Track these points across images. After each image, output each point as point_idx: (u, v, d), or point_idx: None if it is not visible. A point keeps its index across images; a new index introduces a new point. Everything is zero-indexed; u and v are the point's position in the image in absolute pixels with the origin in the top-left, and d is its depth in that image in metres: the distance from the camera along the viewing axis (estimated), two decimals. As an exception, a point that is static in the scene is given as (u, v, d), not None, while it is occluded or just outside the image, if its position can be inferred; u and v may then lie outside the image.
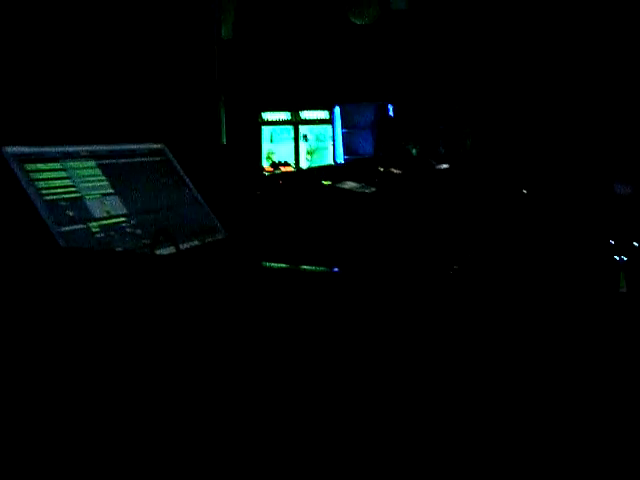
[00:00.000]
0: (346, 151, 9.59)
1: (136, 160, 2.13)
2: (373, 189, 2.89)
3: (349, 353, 1.09)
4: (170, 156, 2.28)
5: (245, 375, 1.15)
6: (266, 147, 10.98)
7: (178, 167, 2.27)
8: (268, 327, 1.15)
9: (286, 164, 10.24)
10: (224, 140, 8.11)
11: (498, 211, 2.71)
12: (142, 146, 2.21)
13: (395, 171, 3.57)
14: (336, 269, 1.35)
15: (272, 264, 1.41)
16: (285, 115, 10.91)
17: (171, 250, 1.80)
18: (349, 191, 2.73)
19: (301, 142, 10.87)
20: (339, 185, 2.78)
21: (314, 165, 10.49)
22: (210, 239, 2.11)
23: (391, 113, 8.64)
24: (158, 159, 2.23)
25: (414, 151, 4.82)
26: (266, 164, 10.45)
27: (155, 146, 2.26)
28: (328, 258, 1.86)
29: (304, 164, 10.68)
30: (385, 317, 1.10)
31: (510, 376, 1.02)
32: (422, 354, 1.07)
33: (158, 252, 1.79)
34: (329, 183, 2.87)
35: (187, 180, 2.26)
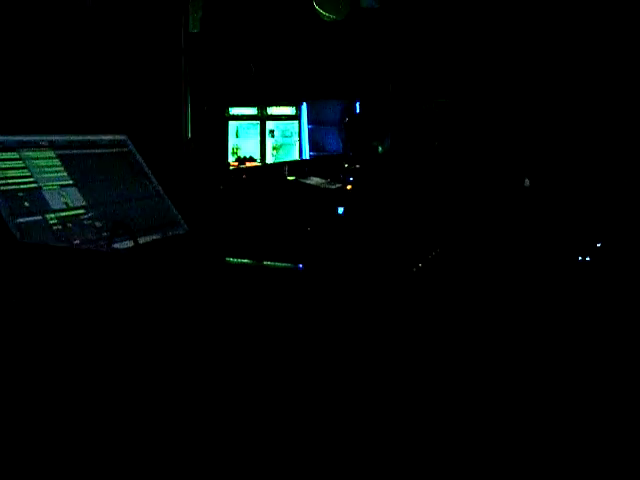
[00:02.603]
0: (312, 147, 9.56)
1: (97, 151, 2.09)
2: (338, 185, 2.87)
3: (311, 348, 1.08)
4: (132, 148, 2.24)
5: (206, 369, 1.13)
6: (232, 142, 10.92)
7: (140, 159, 2.23)
8: (230, 322, 1.13)
9: (252, 159, 10.19)
10: (189, 134, 8.04)
11: (463, 207, 2.71)
12: (104, 137, 2.17)
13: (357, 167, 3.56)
14: (300, 265, 1.34)
15: (234, 259, 1.39)
16: (252, 110, 10.86)
17: (130, 244, 1.76)
18: (314, 187, 2.71)
19: (267, 138, 10.83)
20: (304, 180, 2.76)
21: (280, 161, 10.48)
22: (170, 233, 2.08)
23: (357, 110, 8.63)
24: (120, 151, 2.19)
25: (380, 148, 4.81)
26: (232, 159, 10.40)
27: (117, 137, 2.22)
28: (291, 254, 1.84)
29: (270, 159, 10.64)
30: (347, 313, 1.08)
31: (466, 368, 1.01)
32: (381, 349, 1.06)
33: (116, 246, 1.75)
34: (293, 178, 2.85)
35: (149, 173, 2.22)
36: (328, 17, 8.28)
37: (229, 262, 1.44)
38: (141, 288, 1.20)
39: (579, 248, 2.44)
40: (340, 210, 2.53)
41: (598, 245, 2.48)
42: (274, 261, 1.36)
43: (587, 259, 2.39)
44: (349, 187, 2.93)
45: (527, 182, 3.14)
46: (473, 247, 2.33)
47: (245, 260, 1.35)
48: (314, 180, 2.84)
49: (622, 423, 0.97)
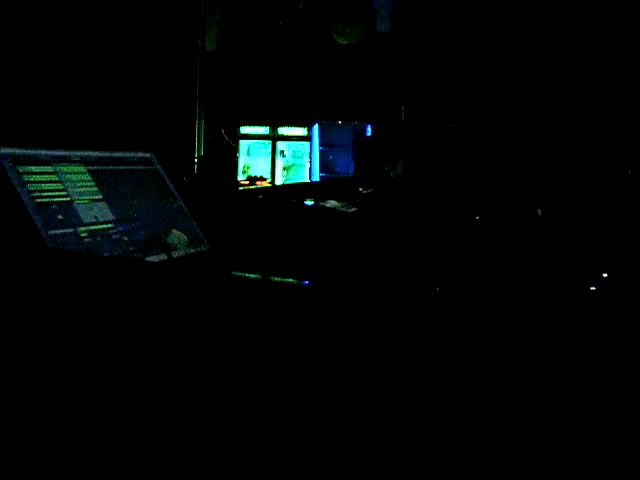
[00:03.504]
0: (322, 169, 9.64)
1: (125, 168, 2.15)
2: (355, 209, 2.92)
3: (315, 364, 1.12)
4: (157, 165, 2.30)
5: (215, 380, 1.17)
6: (242, 161, 10.99)
7: (165, 176, 2.29)
8: (240, 335, 1.17)
9: (262, 179, 10.26)
10: (201, 152, 8.12)
11: (478, 232, 2.76)
12: (131, 154, 2.23)
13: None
14: (306, 282, 1.38)
15: (239, 273, 1.43)
16: (263, 130, 10.94)
17: (162, 258, 1.82)
18: (332, 209, 2.76)
19: (278, 157, 10.90)
20: (322, 203, 2.81)
21: (289, 181, 10.52)
22: (194, 250, 2.13)
23: (369, 134, 8.70)
24: (146, 168, 2.25)
25: (392, 173, 4.88)
26: (242, 178, 10.46)
27: (143, 155, 2.28)
28: (311, 274, 1.89)
29: (280, 179, 10.70)
30: (354, 332, 1.12)
31: (487, 393, 1.05)
32: (391, 370, 1.09)
33: (149, 259, 1.81)
34: (312, 201, 2.91)
35: (173, 190, 2.28)
36: (343, 41, 8.37)
37: (234, 275, 1.48)
38: (174, 298, 1.25)
39: (587, 277, 2.47)
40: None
41: (604, 275, 2.51)
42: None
43: (593, 289, 2.43)
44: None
45: (539, 212, 3.18)
46: (485, 275, 2.37)
47: (252, 275, 1.39)
48: (331, 203, 2.89)
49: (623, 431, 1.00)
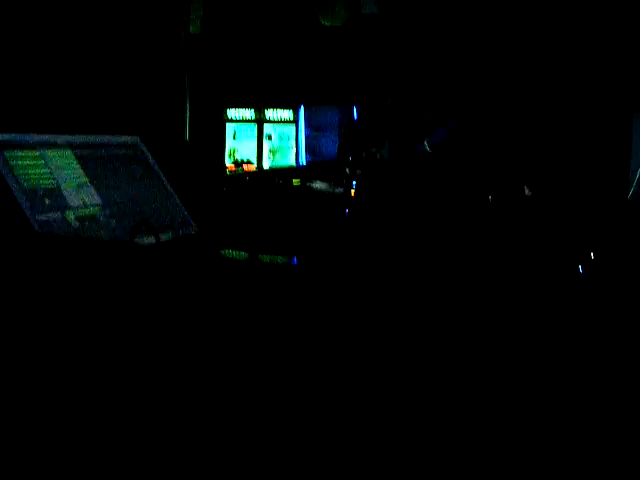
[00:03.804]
0: (309, 152, 9.61)
1: (111, 152, 2.14)
2: (341, 190, 2.93)
3: (304, 343, 1.13)
4: (144, 149, 2.29)
5: (206, 358, 1.18)
6: (228, 144, 10.94)
7: (152, 160, 2.29)
8: (224, 315, 1.18)
9: (249, 162, 10.23)
10: (187, 136, 8.07)
11: (464, 215, 2.77)
12: (117, 138, 2.22)
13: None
14: (295, 260, 1.39)
15: (228, 252, 1.44)
16: (249, 113, 10.89)
17: (150, 241, 1.82)
18: (319, 191, 2.77)
19: (264, 141, 10.86)
20: (309, 184, 2.82)
21: (276, 165, 10.50)
22: (182, 233, 2.14)
23: (355, 116, 8.68)
24: (132, 152, 2.25)
25: (378, 155, 4.88)
26: (228, 162, 10.43)
27: (130, 139, 2.28)
28: (300, 254, 1.89)
29: (266, 163, 10.68)
30: (341, 309, 1.13)
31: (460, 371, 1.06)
32: (374, 345, 1.10)
33: (138, 242, 1.81)
34: (299, 181, 2.91)
35: (160, 174, 2.28)
36: (328, 23, 8.33)
37: (223, 255, 1.48)
38: (163, 281, 1.25)
39: (576, 258, 2.49)
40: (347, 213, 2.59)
41: (592, 256, 2.52)
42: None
43: (580, 270, 2.44)
44: (353, 192, 2.99)
45: (527, 191, 3.19)
46: (471, 255, 2.39)
47: (240, 254, 1.39)
48: (318, 184, 2.90)
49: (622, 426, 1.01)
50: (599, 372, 1.02)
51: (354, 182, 3.20)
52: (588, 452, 0.99)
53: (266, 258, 1.40)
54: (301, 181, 2.96)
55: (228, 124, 10.82)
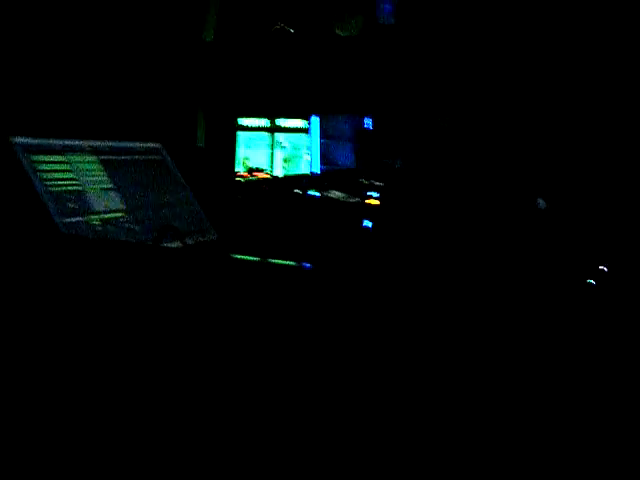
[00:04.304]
0: (323, 161, 9.64)
1: (135, 157, 2.18)
2: (357, 199, 2.96)
3: (315, 342, 1.15)
4: (167, 155, 2.33)
5: (219, 359, 1.21)
6: (241, 152, 10.99)
7: (174, 167, 2.32)
8: (246, 314, 1.21)
9: (261, 170, 10.26)
10: (202, 143, 8.13)
11: (479, 224, 2.79)
12: (140, 144, 2.26)
13: (377, 183, 3.65)
14: (307, 264, 1.41)
15: (240, 256, 1.46)
16: (262, 122, 10.94)
17: (175, 245, 1.85)
18: (335, 200, 2.80)
19: (277, 149, 10.91)
20: (326, 194, 2.85)
21: (289, 173, 10.52)
22: (202, 239, 2.17)
23: (369, 126, 8.72)
24: (155, 158, 2.28)
25: (397, 165, 4.91)
26: (241, 170, 10.47)
27: (153, 145, 2.31)
28: (317, 261, 1.92)
29: (279, 171, 10.71)
30: (353, 314, 1.16)
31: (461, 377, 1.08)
32: (384, 350, 1.12)
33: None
34: (315, 191, 2.94)
35: (182, 180, 2.31)
36: (343, 33, 8.38)
37: (235, 258, 1.50)
38: (191, 283, 1.28)
39: (586, 270, 2.49)
40: (366, 223, 2.62)
41: (602, 268, 2.53)
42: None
43: (592, 282, 2.45)
44: (370, 201, 3.01)
45: (542, 203, 3.20)
46: (485, 264, 2.40)
47: (252, 257, 1.42)
48: (335, 194, 2.93)
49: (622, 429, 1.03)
50: (608, 380, 1.04)
51: (370, 192, 3.23)
52: (590, 453, 1.00)
53: (281, 262, 1.43)
54: (318, 190, 2.99)
55: (241, 132, 10.88)
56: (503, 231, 2.69)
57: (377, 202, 2.99)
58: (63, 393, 1.36)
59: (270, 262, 1.40)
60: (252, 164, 10.63)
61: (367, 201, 3.03)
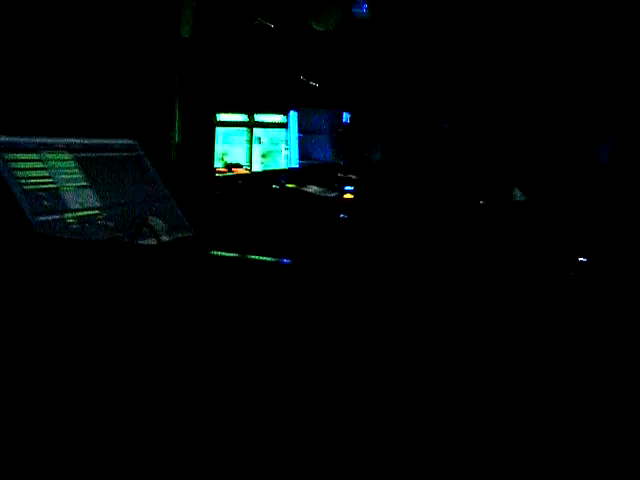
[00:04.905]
0: (301, 156, 9.63)
1: (110, 155, 2.17)
2: (335, 193, 2.96)
3: (295, 339, 1.15)
4: (142, 152, 2.32)
5: (197, 355, 1.21)
6: (219, 148, 10.96)
7: (149, 164, 2.31)
8: (225, 312, 1.21)
9: (239, 166, 10.23)
10: (178, 139, 8.09)
11: (454, 218, 2.80)
12: (115, 141, 2.24)
13: (354, 178, 3.65)
14: (285, 260, 1.41)
15: (219, 252, 1.45)
16: (240, 117, 10.91)
17: (150, 243, 1.85)
18: (312, 194, 2.80)
19: (255, 145, 10.88)
20: (303, 188, 2.84)
21: (267, 168, 10.50)
22: (178, 235, 2.16)
23: (347, 121, 8.72)
24: (130, 154, 2.27)
25: (371, 159, 4.91)
26: (219, 165, 10.43)
27: (128, 142, 2.30)
28: (295, 256, 1.92)
29: (257, 167, 10.69)
30: (334, 310, 1.16)
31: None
32: (366, 345, 1.13)
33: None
34: (293, 186, 2.94)
35: (157, 177, 2.30)
36: (319, 27, 8.36)
37: (214, 255, 1.50)
38: (167, 280, 1.28)
39: (566, 262, 2.51)
40: (343, 217, 2.62)
41: (581, 259, 2.54)
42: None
43: (570, 273, 2.47)
44: (347, 196, 3.02)
45: (518, 194, 3.22)
46: (465, 258, 2.42)
47: (230, 254, 1.41)
48: (312, 188, 2.93)
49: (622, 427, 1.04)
50: (591, 373, 1.05)
51: (347, 186, 3.23)
52: (587, 452, 1.01)
53: (260, 258, 1.43)
54: (295, 185, 2.98)
55: (219, 128, 10.84)
56: (478, 222, 2.71)
57: (351, 196, 2.99)
58: (41, 394, 1.35)
59: (248, 258, 1.40)
60: (230, 160, 10.59)
61: (345, 195, 3.03)
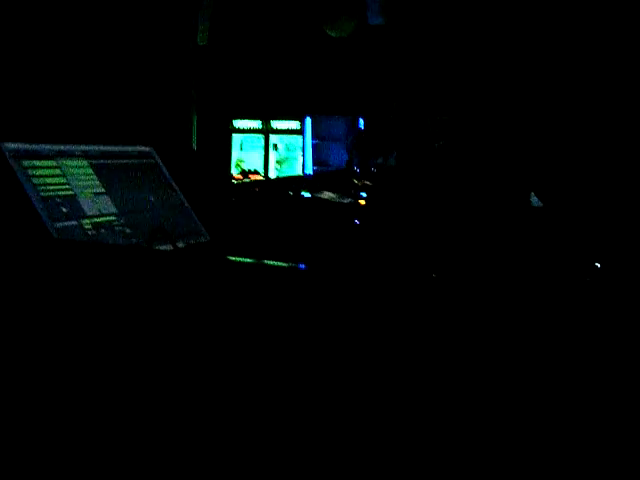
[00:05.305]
0: (315, 162, 9.66)
1: (126, 161, 2.19)
2: (350, 200, 2.97)
3: (310, 346, 1.16)
4: (158, 159, 2.34)
5: (214, 364, 1.22)
6: (235, 155, 11.01)
7: (165, 170, 2.33)
8: (240, 318, 1.22)
9: (255, 172, 10.28)
10: (194, 146, 8.14)
11: (473, 222, 2.79)
12: (131, 148, 2.27)
13: (369, 184, 3.66)
14: (302, 265, 1.42)
15: (235, 258, 1.46)
16: (256, 123, 10.96)
17: (166, 248, 1.86)
18: (328, 201, 2.81)
19: (271, 151, 10.92)
20: (318, 195, 2.86)
21: (283, 174, 10.54)
22: (194, 241, 2.18)
23: (361, 126, 8.74)
24: (146, 161, 2.29)
25: (387, 164, 4.92)
26: (235, 172, 10.48)
27: (144, 149, 2.32)
28: (309, 262, 1.93)
29: (273, 173, 10.73)
30: (349, 315, 1.17)
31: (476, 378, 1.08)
32: (382, 351, 1.13)
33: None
34: (308, 192, 2.95)
35: (173, 183, 2.32)
36: (334, 34, 8.38)
37: (231, 260, 1.51)
38: (183, 285, 1.29)
39: (582, 268, 2.50)
40: (357, 223, 2.63)
41: (597, 265, 2.53)
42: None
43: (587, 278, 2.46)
44: (362, 202, 3.03)
45: (535, 200, 3.21)
46: (479, 263, 2.41)
47: (247, 259, 1.43)
48: (327, 194, 2.94)
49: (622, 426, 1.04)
50: (605, 379, 1.05)
51: (362, 192, 3.24)
52: (589, 455, 1.01)
53: (276, 264, 1.44)
54: (309, 191, 3.00)
55: (235, 134, 10.89)
56: (495, 228, 2.70)
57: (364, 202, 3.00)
58: (56, 397, 1.36)
59: (265, 263, 1.41)
60: (246, 166, 10.64)
61: (359, 201, 3.04)
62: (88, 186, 1.96)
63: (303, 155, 10.26)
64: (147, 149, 2.34)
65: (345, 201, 2.93)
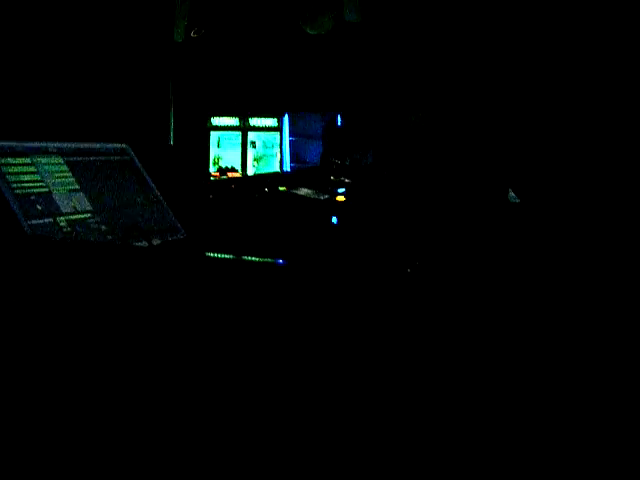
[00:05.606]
0: (293, 159, 9.66)
1: (101, 158, 2.18)
2: (326, 196, 2.97)
3: (290, 340, 1.17)
4: (134, 156, 2.33)
5: (191, 357, 1.22)
6: (213, 152, 10.96)
7: (141, 167, 2.33)
8: (219, 313, 1.22)
9: (233, 170, 10.24)
10: (172, 143, 8.10)
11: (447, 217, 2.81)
12: (107, 145, 2.26)
13: (346, 180, 3.67)
14: (280, 261, 1.42)
15: (214, 254, 1.46)
16: (234, 121, 10.92)
17: (142, 245, 1.86)
18: (304, 197, 2.81)
19: (249, 149, 10.89)
20: (294, 191, 2.86)
21: (260, 172, 10.51)
22: (170, 238, 2.17)
23: (338, 123, 8.74)
24: (122, 158, 2.29)
25: (363, 161, 4.93)
26: (213, 169, 10.44)
27: (119, 146, 2.31)
28: (287, 257, 1.93)
29: (251, 170, 10.70)
30: (330, 310, 1.17)
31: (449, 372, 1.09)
32: (360, 344, 1.14)
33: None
34: (284, 189, 2.95)
35: (149, 180, 2.32)
36: (312, 31, 8.37)
37: (209, 256, 1.51)
38: (159, 281, 1.29)
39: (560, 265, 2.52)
40: (334, 219, 2.64)
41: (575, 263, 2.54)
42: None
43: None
44: (339, 198, 3.03)
45: (512, 195, 3.22)
46: (455, 257, 2.43)
47: (226, 255, 1.43)
48: (303, 191, 2.94)
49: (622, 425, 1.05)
50: (588, 373, 1.06)
51: (340, 189, 3.24)
52: (585, 453, 1.02)
53: (255, 259, 1.44)
54: (286, 188, 3.00)
55: (212, 132, 10.85)
56: (473, 225, 2.72)
57: (343, 198, 3.01)
58: (37, 395, 1.36)
59: (243, 259, 1.41)
60: (224, 164, 10.60)
61: (337, 198, 3.05)
62: (63, 183, 1.96)
63: (281, 152, 10.25)
64: (123, 146, 2.33)
65: (322, 197, 2.93)
